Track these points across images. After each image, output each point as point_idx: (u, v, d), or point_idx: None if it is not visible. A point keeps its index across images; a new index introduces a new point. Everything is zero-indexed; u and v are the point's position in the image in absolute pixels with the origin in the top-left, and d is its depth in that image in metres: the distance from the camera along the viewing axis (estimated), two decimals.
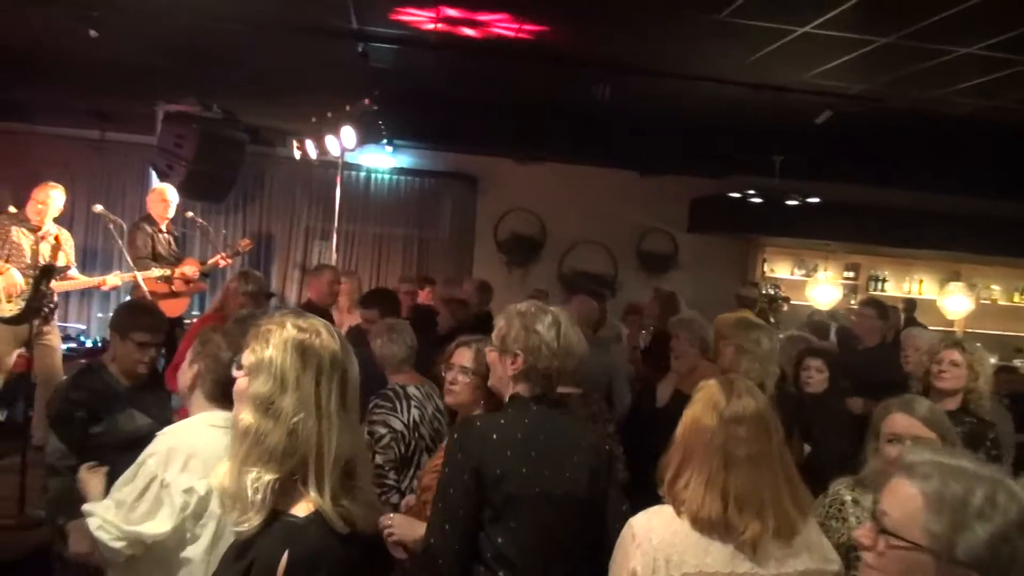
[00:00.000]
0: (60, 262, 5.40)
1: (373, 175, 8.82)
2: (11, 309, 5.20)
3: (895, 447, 2.20)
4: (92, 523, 2.12)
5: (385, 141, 7.63)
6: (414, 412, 3.34)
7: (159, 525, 2.11)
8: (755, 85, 6.09)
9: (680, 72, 6.11)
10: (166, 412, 3.11)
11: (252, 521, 1.45)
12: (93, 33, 5.68)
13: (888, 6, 4.31)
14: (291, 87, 7.32)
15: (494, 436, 2.09)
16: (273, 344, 1.50)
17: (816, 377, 4.18)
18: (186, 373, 2.40)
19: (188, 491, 2.12)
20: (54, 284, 5.27)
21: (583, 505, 2.14)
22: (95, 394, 3.05)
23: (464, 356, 2.66)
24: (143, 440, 2.39)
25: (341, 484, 1.50)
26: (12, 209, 5.96)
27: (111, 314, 3.77)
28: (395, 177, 8.90)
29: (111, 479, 2.40)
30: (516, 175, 8.95)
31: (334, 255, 7.48)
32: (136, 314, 3.18)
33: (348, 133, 6.39)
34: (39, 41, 6.86)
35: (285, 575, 1.39)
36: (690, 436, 1.82)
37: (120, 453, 2.63)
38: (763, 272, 9.41)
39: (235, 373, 1.60)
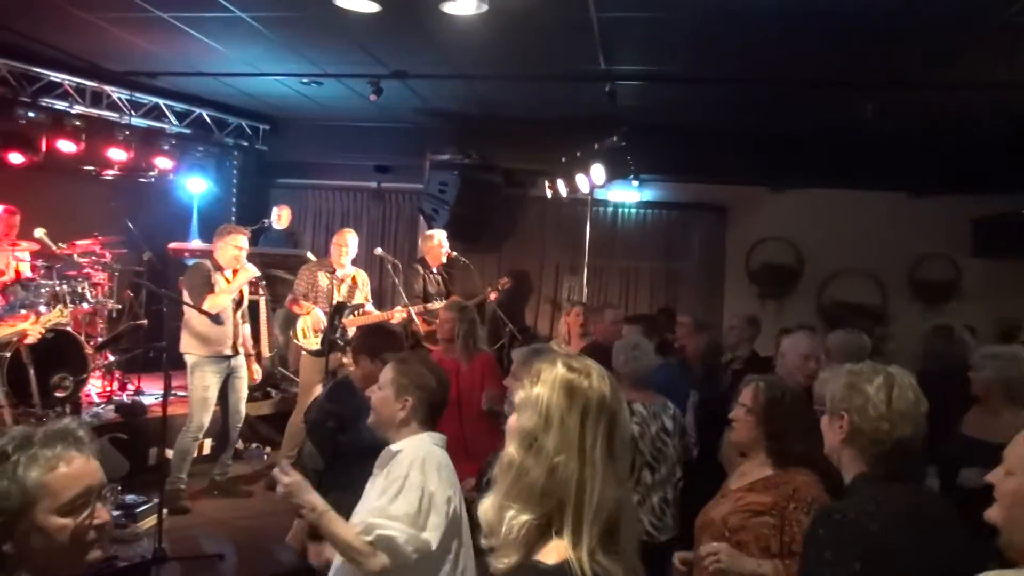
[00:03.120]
0: (357, 300, 6.10)
1: (620, 210, 8.94)
2: (316, 343, 5.95)
3: None
4: (398, 537, 2.24)
5: (632, 176, 7.73)
6: (634, 428, 3.40)
7: (436, 533, 2.28)
8: None
9: (957, 82, 5.55)
10: None
11: (506, 559, 1.41)
12: (373, 98, 6.42)
13: None
14: (542, 130, 7.70)
15: (851, 533, 1.82)
16: (542, 381, 1.48)
17: None
18: (393, 405, 2.50)
19: (448, 500, 2.29)
20: (353, 319, 5.96)
21: None
22: (345, 407, 3.43)
23: (745, 393, 2.64)
24: (380, 451, 2.62)
25: (601, 541, 1.38)
26: (311, 256, 6.85)
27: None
28: (642, 210, 8.96)
29: (352, 485, 2.67)
30: (768, 203, 8.60)
31: (584, 290, 7.66)
32: (385, 338, 3.53)
33: (598, 170, 6.56)
34: (329, 109, 7.90)
35: None
36: None
37: (362, 461, 2.92)
38: None
39: (507, 410, 1.65)
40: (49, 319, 4.62)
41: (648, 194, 8.88)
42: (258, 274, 5.70)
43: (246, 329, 5.79)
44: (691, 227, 8.88)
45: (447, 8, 4.53)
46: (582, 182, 7.03)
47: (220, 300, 5.30)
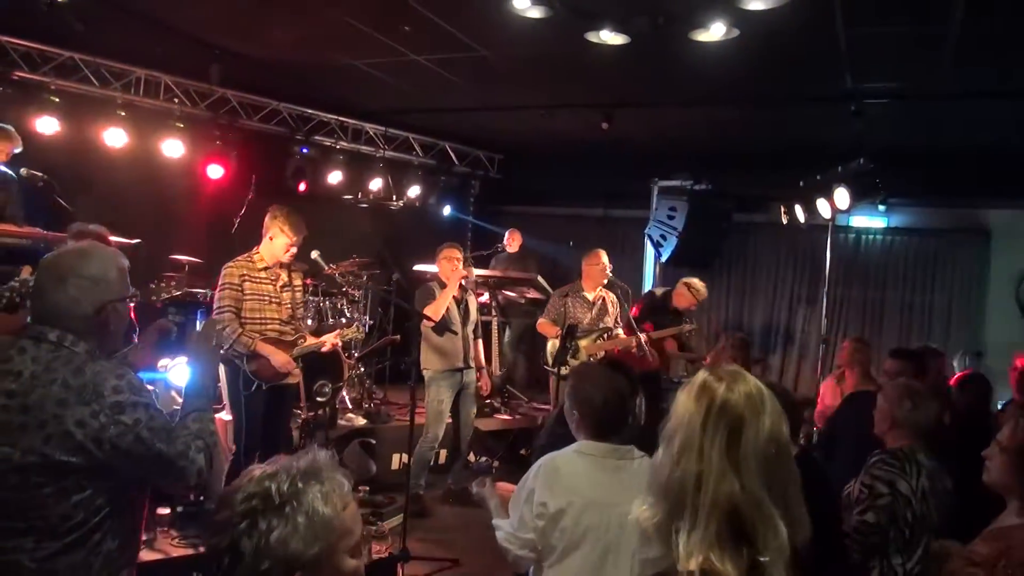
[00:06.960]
0: (606, 323, 6.18)
1: (864, 236, 8.35)
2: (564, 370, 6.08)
3: None
4: (499, 536, 2.48)
5: (879, 200, 7.19)
6: (924, 481, 2.96)
7: (535, 533, 2.36)
8: None
9: None
10: None
11: (652, 553, 1.50)
12: (605, 126, 6.54)
13: None
14: (778, 154, 7.40)
15: None
16: (687, 390, 1.56)
17: None
18: (572, 417, 2.60)
19: (542, 505, 2.34)
20: (601, 344, 6.08)
21: None
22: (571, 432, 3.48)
23: (1004, 430, 2.38)
24: None
25: (721, 541, 1.39)
26: (540, 279, 7.09)
27: None
28: (889, 237, 8.30)
29: None
30: None
31: (823, 321, 7.21)
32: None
33: (842, 195, 6.18)
34: (559, 137, 8.17)
35: None
36: None
37: None
38: None
39: None
40: (346, 334, 5.31)
41: (895, 219, 8.21)
42: (465, 274, 5.90)
43: (479, 345, 6.10)
44: (946, 254, 8.08)
45: (697, 36, 4.51)
46: (823, 207, 6.65)
47: (438, 305, 5.63)
